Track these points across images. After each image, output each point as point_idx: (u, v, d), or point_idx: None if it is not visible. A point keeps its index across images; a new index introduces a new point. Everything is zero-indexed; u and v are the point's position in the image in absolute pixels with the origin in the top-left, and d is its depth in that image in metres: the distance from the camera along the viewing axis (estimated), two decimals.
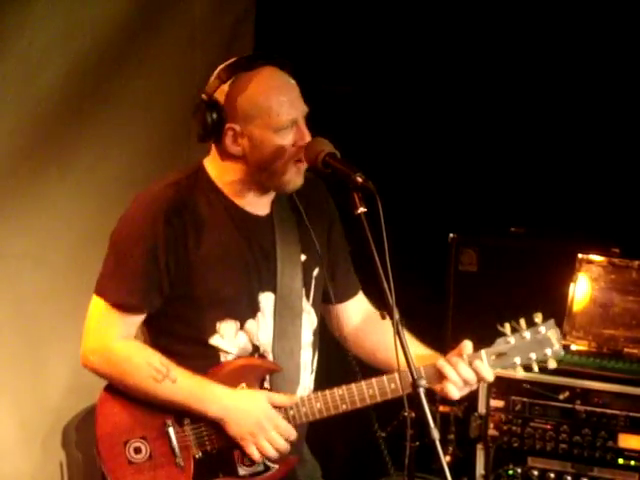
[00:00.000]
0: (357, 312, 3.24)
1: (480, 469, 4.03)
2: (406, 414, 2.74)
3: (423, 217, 4.75)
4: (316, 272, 3.12)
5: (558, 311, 4.17)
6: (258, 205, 3.04)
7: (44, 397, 4.19)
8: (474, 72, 4.73)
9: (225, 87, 2.93)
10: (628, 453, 3.89)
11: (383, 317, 2.70)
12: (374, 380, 2.97)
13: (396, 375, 2.91)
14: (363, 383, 2.97)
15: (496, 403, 4.01)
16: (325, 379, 3.14)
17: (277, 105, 2.91)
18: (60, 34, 4.08)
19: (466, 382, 2.95)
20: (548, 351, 2.98)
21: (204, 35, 4.67)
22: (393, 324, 2.67)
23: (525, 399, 3.99)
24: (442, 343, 4.45)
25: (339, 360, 3.20)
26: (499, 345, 2.98)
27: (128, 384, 2.96)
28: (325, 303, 3.19)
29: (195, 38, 4.65)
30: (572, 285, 4.20)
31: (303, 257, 3.09)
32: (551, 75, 4.65)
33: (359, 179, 2.75)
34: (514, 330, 2.98)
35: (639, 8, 4.43)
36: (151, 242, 2.92)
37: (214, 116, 2.93)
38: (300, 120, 2.93)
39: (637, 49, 4.47)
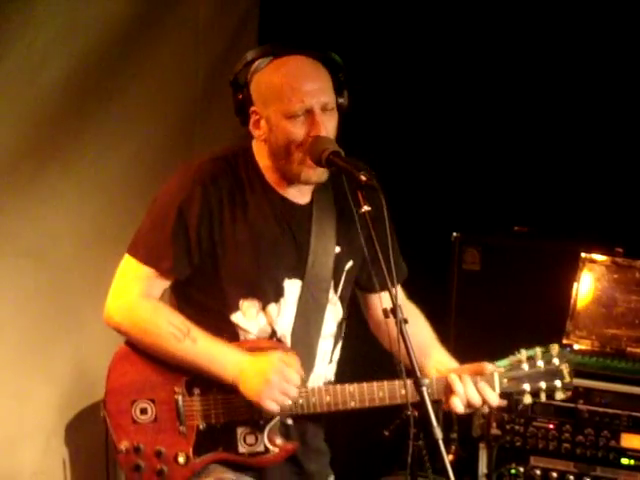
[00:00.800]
0: (388, 301, 3.23)
1: (483, 468, 4.03)
2: (409, 413, 2.74)
3: (426, 216, 4.74)
4: (349, 265, 3.12)
5: (561, 310, 4.18)
6: (298, 193, 3.05)
7: (46, 395, 4.19)
8: (478, 72, 4.73)
9: (250, 69, 2.96)
10: (631, 453, 3.88)
11: (386, 315, 2.70)
12: (386, 383, 2.98)
13: (408, 382, 2.92)
14: (375, 384, 2.99)
15: (499, 402, 4.00)
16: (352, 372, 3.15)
17: (290, 91, 2.91)
18: (62, 33, 4.08)
19: (470, 403, 2.99)
20: (558, 383, 3.04)
21: (208, 34, 4.67)
22: (396, 322, 2.68)
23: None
24: (445, 342, 4.45)
25: (366, 353, 3.21)
26: (513, 370, 3.04)
27: (148, 342, 2.98)
28: (362, 291, 3.20)
29: (199, 37, 4.65)
30: (575, 284, 4.19)
31: (337, 249, 3.09)
32: (554, 75, 4.64)
33: (363, 177, 2.75)
34: (529, 357, 3.04)
35: (639, 8, 4.42)
36: (186, 209, 2.95)
37: (239, 97, 2.98)
38: (317, 111, 2.91)
39: (637, 49, 4.47)
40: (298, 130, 2.92)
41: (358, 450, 4.77)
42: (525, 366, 3.03)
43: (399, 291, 3.22)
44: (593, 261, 4.20)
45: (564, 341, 4.15)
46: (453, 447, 4.12)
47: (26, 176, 4.07)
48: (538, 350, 3.05)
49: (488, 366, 3.02)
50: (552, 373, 3.03)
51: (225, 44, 4.70)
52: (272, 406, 2.94)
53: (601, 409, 3.91)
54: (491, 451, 4.00)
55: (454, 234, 4.49)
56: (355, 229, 2.98)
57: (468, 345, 4.35)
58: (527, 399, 3.06)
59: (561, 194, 4.65)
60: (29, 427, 4.16)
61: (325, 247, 3.06)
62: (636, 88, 4.49)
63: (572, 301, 4.19)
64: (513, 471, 4.02)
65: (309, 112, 2.91)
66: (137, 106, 4.41)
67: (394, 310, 2.69)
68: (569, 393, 3.07)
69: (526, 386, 3.03)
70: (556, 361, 3.04)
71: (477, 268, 4.48)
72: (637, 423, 3.88)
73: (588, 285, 4.20)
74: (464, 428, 4.09)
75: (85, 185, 4.26)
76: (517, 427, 3.99)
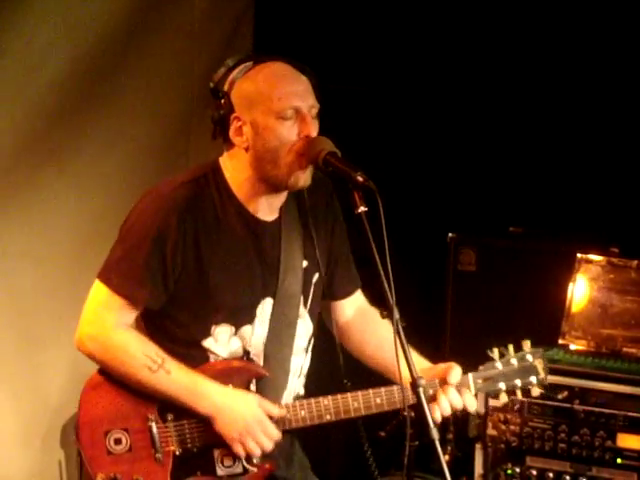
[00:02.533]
0: (351, 307, 3.24)
1: (479, 468, 4.03)
2: (405, 414, 2.74)
3: (422, 217, 4.75)
4: (316, 278, 3.10)
5: (557, 311, 4.18)
6: (267, 210, 3.01)
7: (43, 395, 4.19)
8: (474, 73, 4.73)
9: (231, 75, 2.93)
10: (627, 453, 3.88)
11: (383, 316, 2.69)
12: (360, 393, 2.98)
13: (382, 390, 2.96)
14: (349, 395, 2.98)
15: (495, 403, 4.00)
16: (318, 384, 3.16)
17: (279, 91, 2.88)
18: (59, 31, 4.08)
19: (453, 409, 2.99)
20: (533, 379, 3.06)
21: (203, 33, 4.67)
22: (393, 323, 2.67)
23: (523, 398, 3.96)
24: (440, 343, 4.46)
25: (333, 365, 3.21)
26: (486, 370, 3.04)
27: (122, 372, 2.95)
28: (330, 299, 3.18)
29: (194, 36, 4.65)
30: (571, 285, 4.20)
31: (305, 263, 3.07)
32: (550, 76, 4.64)
33: (360, 178, 2.74)
34: (502, 356, 3.04)
35: (639, 8, 4.43)
36: (161, 239, 2.90)
37: (219, 104, 2.93)
38: (305, 111, 2.89)
39: (637, 49, 4.47)
40: (288, 131, 2.88)
41: (354, 451, 4.77)
42: (499, 365, 3.03)
43: (360, 295, 3.26)
44: (589, 261, 4.20)
45: (560, 341, 4.16)
46: (449, 447, 4.13)
47: (23, 177, 4.07)
48: (510, 348, 3.05)
49: (457, 367, 3.01)
50: (526, 370, 3.04)
51: (221, 46, 4.70)
52: (241, 452, 2.94)
53: (597, 409, 3.91)
54: (487, 451, 4.00)
55: (450, 235, 4.50)
56: (319, 241, 3.03)
57: (464, 346, 4.37)
58: (503, 398, 3.06)
59: (556, 195, 4.65)
60: (26, 429, 4.15)
61: (294, 263, 3.04)
62: (632, 89, 4.49)
63: (568, 301, 4.19)
64: (509, 471, 4.02)
65: (298, 113, 2.89)
66: (134, 107, 4.41)
67: (390, 311, 2.68)
68: (544, 387, 3.09)
69: (501, 385, 3.03)
70: (529, 357, 3.05)
71: (473, 269, 4.48)
72: (633, 423, 3.88)
73: (584, 285, 4.21)
74: (460, 428, 4.09)
75: (82, 186, 4.25)
76: (513, 427, 3.99)
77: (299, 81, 2.94)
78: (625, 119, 4.54)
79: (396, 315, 2.68)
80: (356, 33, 4.80)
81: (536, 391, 3.07)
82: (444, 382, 2.99)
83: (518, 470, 4.01)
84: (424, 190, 4.80)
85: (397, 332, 2.66)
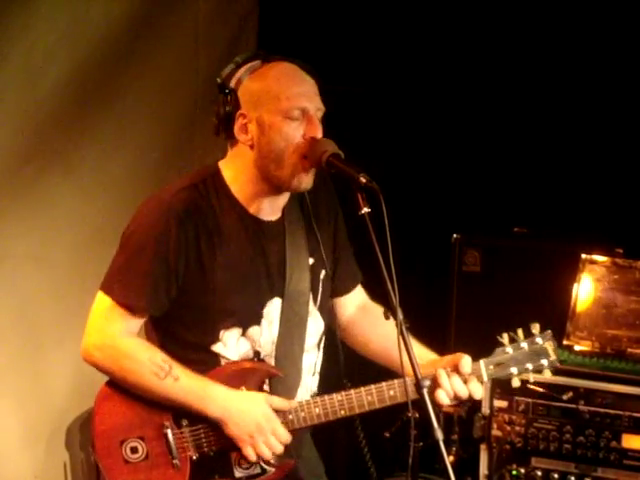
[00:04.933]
0: (353, 303, 3.26)
1: (484, 469, 4.03)
2: (410, 414, 2.74)
3: (426, 217, 4.75)
4: (323, 274, 3.11)
5: (561, 311, 4.18)
6: (270, 210, 3.02)
7: (47, 398, 4.19)
8: (477, 74, 4.73)
9: (239, 73, 2.93)
10: (632, 453, 3.88)
11: (387, 317, 2.69)
12: (373, 387, 2.97)
13: (395, 382, 2.94)
14: (362, 390, 2.97)
15: (500, 403, 4.01)
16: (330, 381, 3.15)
17: (288, 90, 2.89)
18: (63, 34, 4.08)
19: (457, 396, 2.98)
20: (544, 361, 3.05)
21: (208, 35, 4.68)
22: (397, 324, 2.67)
23: (529, 399, 3.98)
24: (445, 343, 4.46)
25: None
26: (497, 355, 3.04)
27: (129, 381, 2.95)
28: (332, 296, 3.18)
29: (199, 38, 4.66)
30: (575, 285, 4.19)
31: (311, 260, 3.08)
32: (553, 76, 4.64)
33: (363, 179, 2.74)
34: (512, 340, 3.04)
35: (639, 8, 4.43)
36: (162, 246, 2.90)
37: (225, 100, 2.93)
38: (312, 113, 2.90)
39: (637, 49, 4.47)
40: (294, 131, 2.89)
41: (359, 451, 4.77)
42: (509, 349, 3.03)
43: (361, 291, 3.26)
44: (593, 262, 4.20)
45: (564, 342, 4.16)
46: (454, 448, 4.13)
47: (27, 179, 4.07)
48: (520, 332, 3.04)
49: (467, 356, 3.00)
50: (537, 353, 3.04)
51: (225, 46, 4.71)
52: (251, 455, 2.93)
53: (602, 410, 3.90)
54: (492, 452, 3.99)
55: (454, 236, 4.50)
56: (323, 238, 3.04)
57: (468, 346, 4.37)
58: (515, 382, 3.06)
59: (561, 195, 4.65)
60: (30, 430, 4.16)
61: (300, 260, 3.04)
62: (635, 88, 4.49)
63: (572, 302, 4.19)
64: (514, 472, 4.02)
65: (305, 114, 2.90)
66: (138, 109, 4.42)
67: (394, 311, 2.68)
68: (555, 368, 3.07)
69: (513, 369, 3.03)
70: (539, 340, 3.04)
71: (477, 269, 4.48)
72: (638, 424, 3.87)
73: (588, 286, 4.20)
74: (465, 429, 4.09)
75: (86, 188, 4.26)
76: (518, 428, 3.99)
77: (308, 83, 2.95)
78: (630, 120, 4.54)
79: (400, 316, 2.68)
80: (362, 34, 4.80)
81: (548, 373, 3.06)
82: (454, 372, 2.98)
83: (523, 471, 4.01)
84: (428, 191, 4.80)
85: (401, 333, 2.66)
